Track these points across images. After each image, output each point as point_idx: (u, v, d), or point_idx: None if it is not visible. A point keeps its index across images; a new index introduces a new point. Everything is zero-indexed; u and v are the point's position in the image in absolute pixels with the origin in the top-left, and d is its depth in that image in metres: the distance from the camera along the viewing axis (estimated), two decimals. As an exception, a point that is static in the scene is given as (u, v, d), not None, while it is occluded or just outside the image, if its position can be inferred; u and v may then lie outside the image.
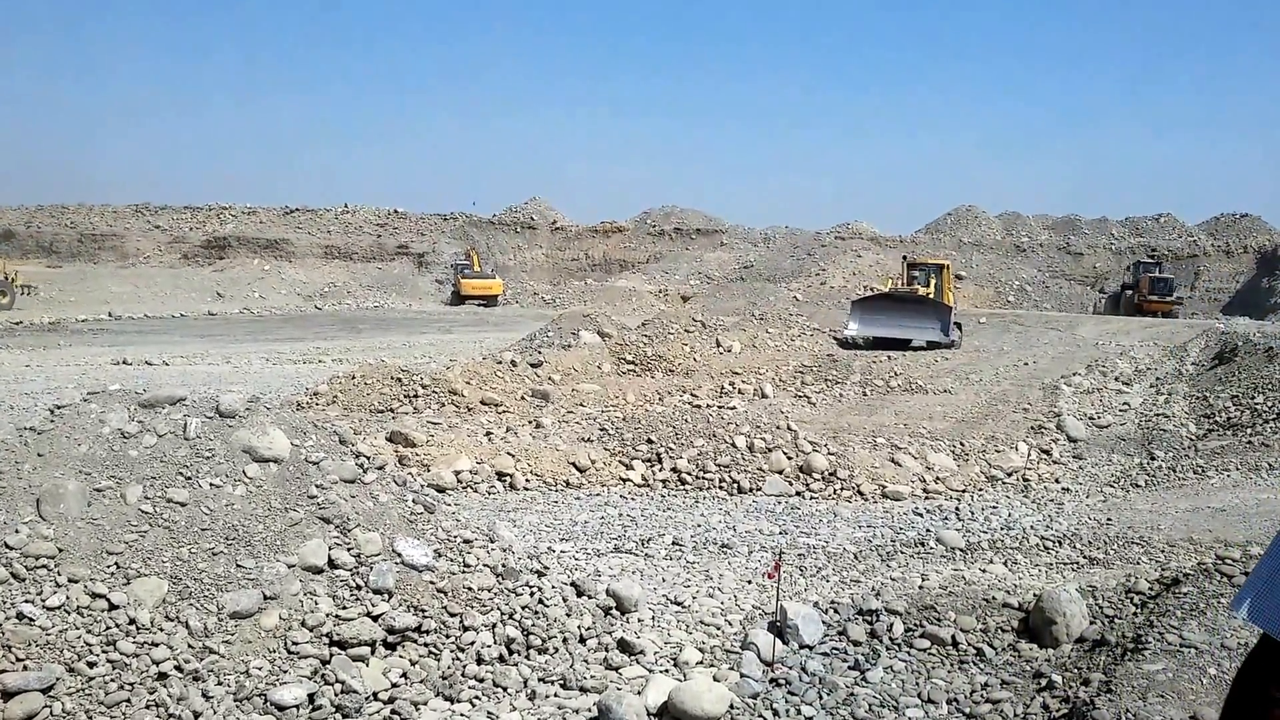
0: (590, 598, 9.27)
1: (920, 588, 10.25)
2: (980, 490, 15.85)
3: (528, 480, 15.28)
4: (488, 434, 16.79)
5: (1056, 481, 16.41)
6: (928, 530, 13.29)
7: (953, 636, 8.56)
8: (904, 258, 48.61)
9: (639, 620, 9.43)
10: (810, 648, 8.65)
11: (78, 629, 6.75)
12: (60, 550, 7.13)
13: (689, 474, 15.64)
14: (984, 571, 11.17)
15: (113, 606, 6.93)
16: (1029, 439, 18.84)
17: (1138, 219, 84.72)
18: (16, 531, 7.15)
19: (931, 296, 39.48)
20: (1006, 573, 11.15)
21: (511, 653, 8.17)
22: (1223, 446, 17.68)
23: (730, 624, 9.54)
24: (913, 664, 8.39)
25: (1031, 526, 13.41)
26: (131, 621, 6.90)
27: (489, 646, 8.06)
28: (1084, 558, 11.75)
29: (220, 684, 6.86)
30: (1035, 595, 8.78)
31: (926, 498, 15.36)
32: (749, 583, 10.97)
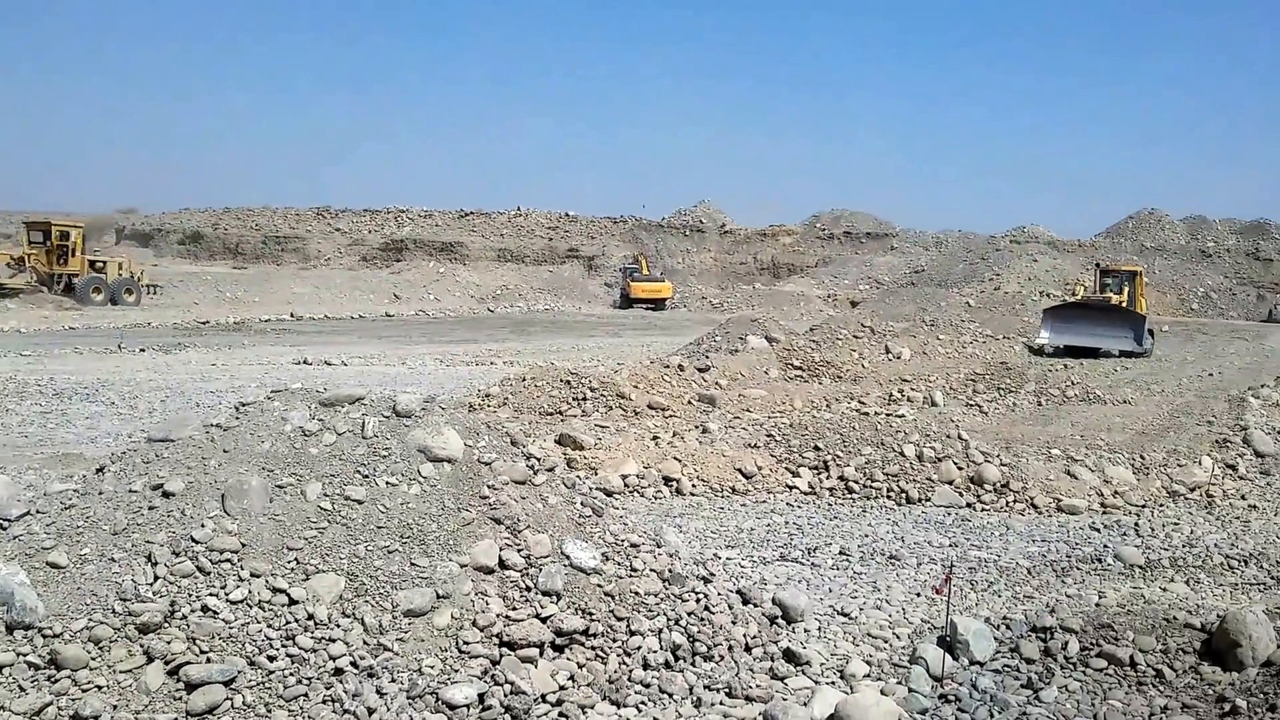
0: (756, 606, 9.23)
1: (1097, 605, 9.96)
2: (1161, 506, 15.35)
3: (694, 486, 15.29)
4: (654, 438, 16.82)
5: (1243, 498, 15.79)
6: (1105, 546, 12.94)
7: (1131, 657, 8.31)
8: (1096, 265, 48.03)
9: (805, 630, 9.36)
10: (981, 664, 8.49)
11: (259, 623, 6.97)
12: (243, 545, 7.38)
13: (856, 482, 15.48)
14: (1164, 590, 10.83)
15: (292, 601, 7.13)
16: (1213, 453, 18.16)
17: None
18: (203, 526, 7.42)
19: (1124, 304, 38.80)
20: (1188, 592, 10.79)
21: (677, 659, 8.16)
22: None
23: (898, 637, 9.41)
24: (1088, 684, 8.17)
25: (1215, 545, 12.94)
26: (310, 617, 7.09)
27: (655, 652, 8.07)
28: (1271, 578, 11.33)
29: (394, 681, 6.99)
30: (1219, 616, 8.47)
31: (1104, 512, 14.95)
32: (918, 595, 10.81)
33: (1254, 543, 13.05)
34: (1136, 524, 14.20)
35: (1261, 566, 11.74)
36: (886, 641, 9.30)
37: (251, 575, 7.20)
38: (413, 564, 7.70)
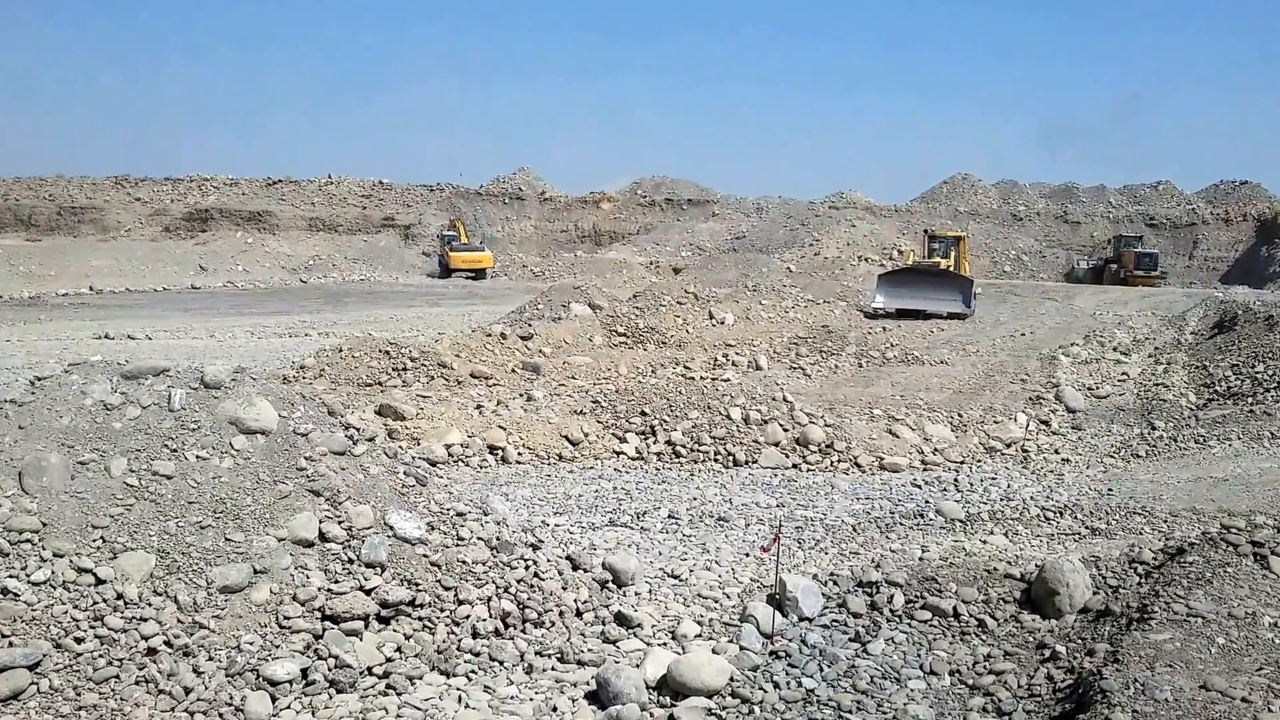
0: (586, 571, 9.26)
1: (920, 559, 10.25)
2: (979, 461, 15.86)
3: (520, 453, 15.24)
4: (478, 407, 16.73)
5: (1056, 452, 16.43)
6: (927, 502, 13.31)
7: (954, 608, 8.54)
8: (925, 231, 49.94)
9: (636, 594, 9.43)
10: (810, 620, 8.63)
11: (64, 604, 6.73)
12: (44, 524, 7.10)
13: (683, 447, 15.61)
14: (984, 543, 11.19)
15: (99, 581, 6.91)
16: (1027, 410, 18.85)
17: (1135, 187, 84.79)
18: (-1, 505, 7.12)
19: (950, 268, 40.30)
20: (1007, 544, 11.16)
21: (507, 626, 8.15)
22: (1224, 416, 17.70)
23: (728, 597, 9.53)
24: (914, 636, 8.37)
25: (1031, 497, 13.43)
26: (119, 596, 6.87)
27: (484, 620, 8.04)
28: (1085, 528, 11.77)
29: (211, 659, 6.83)
30: (1037, 566, 8.77)
31: (925, 469, 15.37)
32: (746, 556, 10.98)
33: (1068, 494, 13.56)
34: (956, 480, 14.64)
35: (1075, 517, 12.18)
36: (717, 602, 9.41)
37: (54, 555, 6.95)
38: (227, 539, 7.52)
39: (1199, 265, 70.43)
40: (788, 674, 7.75)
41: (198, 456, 7.99)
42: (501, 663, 7.79)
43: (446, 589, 8.09)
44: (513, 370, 20.96)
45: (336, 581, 7.66)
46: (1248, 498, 12.64)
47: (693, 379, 20.73)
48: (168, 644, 6.78)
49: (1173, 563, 8.30)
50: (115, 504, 7.43)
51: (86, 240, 73.98)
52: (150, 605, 6.94)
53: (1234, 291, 47.88)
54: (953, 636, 8.31)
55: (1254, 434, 16.07)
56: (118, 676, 6.55)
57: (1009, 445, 16.66)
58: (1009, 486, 14.22)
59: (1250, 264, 67.68)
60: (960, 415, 17.95)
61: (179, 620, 6.93)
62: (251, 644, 7.02)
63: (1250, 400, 18.50)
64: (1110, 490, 13.62)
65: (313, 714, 6.88)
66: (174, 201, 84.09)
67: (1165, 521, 11.80)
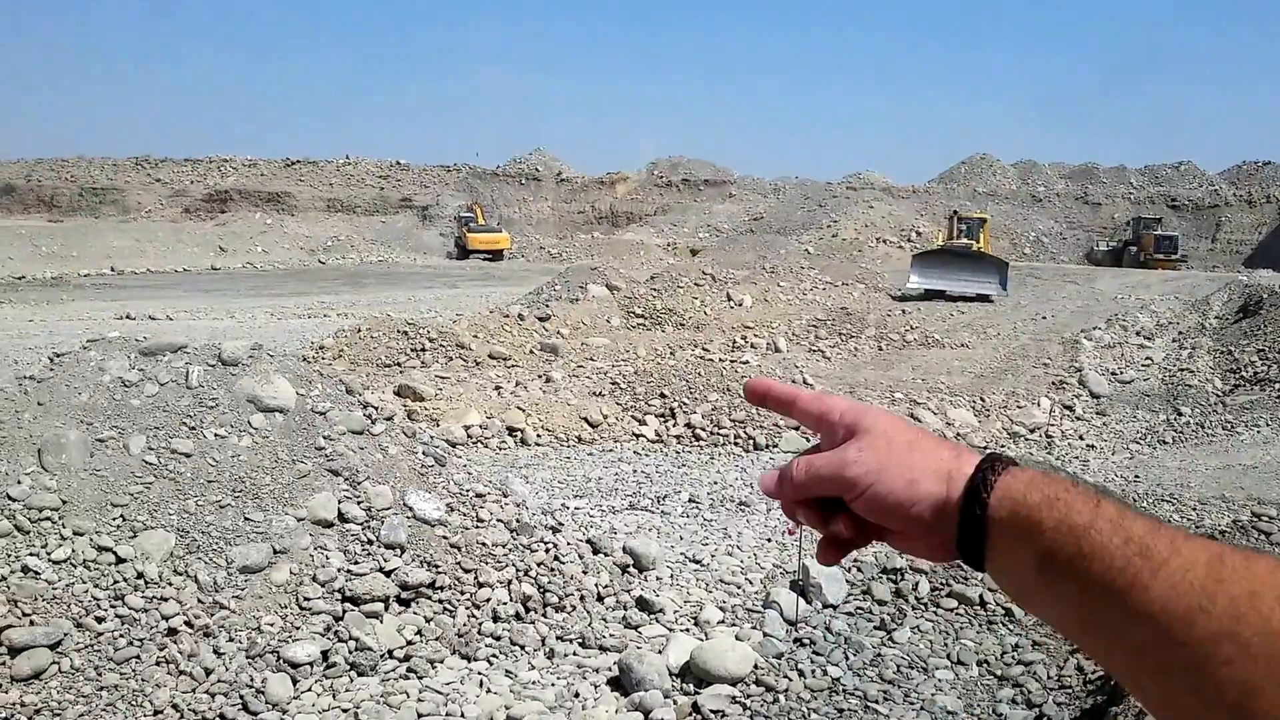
0: (607, 555, 9.18)
1: (945, 545, 10.12)
2: (1002, 447, 15.72)
3: (539, 435, 15.17)
4: (497, 388, 16.69)
5: (1080, 438, 16.29)
6: (950, 486, 13.18)
7: (981, 596, 8.46)
8: (953, 212, 49.89)
9: (657, 579, 9.35)
10: (834, 607, 8.54)
11: (85, 583, 6.68)
12: (64, 502, 7.06)
13: (703, 430, 15.52)
14: (1010, 528, 11.06)
15: (120, 560, 6.85)
16: (1050, 394, 18.71)
17: (1157, 167, 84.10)
18: (19, 483, 7.07)
19: (979, 249, 40.45)
20: (1034, 530, 11.04)
21: (528, 610, 8.08)
22: (1251, 402, 17.51)
23: (751, 583, 9.45)
24: (940, 624, 8.28)
25: (1057, 483, 13.30)
26: (139, 575, 6.82)
27: (505, 604, 7.97)
28: (1112, 515, 11.65)
29: (231, 640, 6.77)
30: (1066, 553, 8.65)
31: (947, 454, 15.23)
32: (769, 541, 10.88)
33: (1093, 481, 13.43)
34: (979, 465, 14.50)
35: (1102, 503, 12.08)
36: (739, 587, 9.33)
37: (74, 533, 6.90)
38: (247, 519, 7.46)
39: (1222, 248, 69.95)
40: (812, 662, 7.66)
41: (216, 434, 7.93)
42: (522, 647, 7.72)
43: (466, 571, 8.03)
44: (531, 351, 20.90)
45: (356, 563, 7.61)
46: (1278, 486, 12.50)
47: (711, 361, 20.63)
48: (188, 624, 6.73)
49: (1203, 551, 8.19)
50: (135, 482, 7.37)
51: (108, 221, 74.15)
52: (170, 585, 6.89)
53: (1258, 275, 47.43)
54: (980, 625, 8.23)
55: (1282, 421, 15.93)
56: (138, 657, 6.49)
57: (1033, 430, 16.54)
58: (1033, 472, 14.10)
59: (1274, 247, 67.16)
60: (982, 399, 17.82)
61: (199, 600, 6.88)
62: (272, 625, 6.97)
63: (1278, 386, 18.32)
64: (1137, 477, 13.50)
65: (333, 697, 6.82)
66: (194, 182, 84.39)
67: (1194, 509, 11.69)
